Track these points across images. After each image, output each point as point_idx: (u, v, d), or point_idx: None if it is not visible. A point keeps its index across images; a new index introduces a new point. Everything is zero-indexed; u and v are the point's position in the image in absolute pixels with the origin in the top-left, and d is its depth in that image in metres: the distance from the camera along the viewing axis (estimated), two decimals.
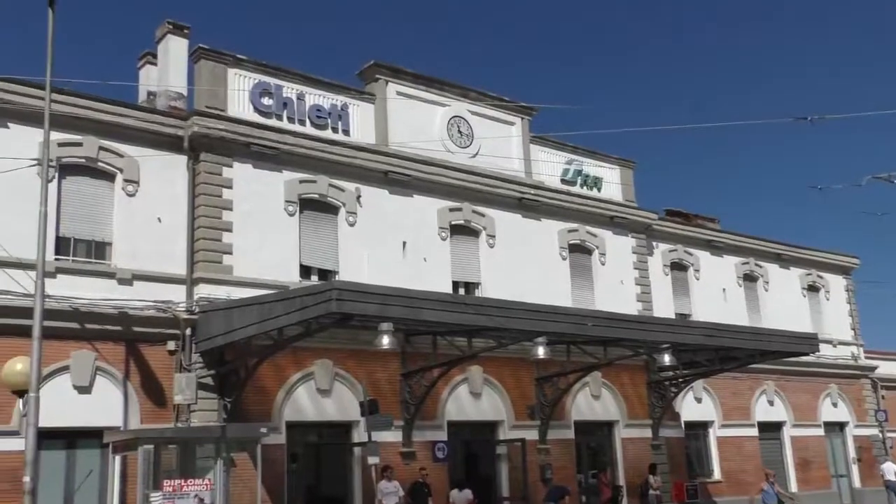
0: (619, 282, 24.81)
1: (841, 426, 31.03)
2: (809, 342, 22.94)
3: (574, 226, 24.17)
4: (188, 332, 16.66)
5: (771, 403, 28.51)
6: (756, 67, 71.08)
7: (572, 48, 70.22)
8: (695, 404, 26.16)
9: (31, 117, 15.64)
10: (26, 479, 11.97)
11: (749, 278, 29.56)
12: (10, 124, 15.86)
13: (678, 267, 27.38)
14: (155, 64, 20.13)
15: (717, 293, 28.05)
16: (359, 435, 18.30)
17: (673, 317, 25.77)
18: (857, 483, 30.59)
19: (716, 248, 28.57)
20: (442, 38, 66.41)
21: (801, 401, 29.43)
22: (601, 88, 69.86)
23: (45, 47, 13.36)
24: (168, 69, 19.12)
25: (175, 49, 19.18)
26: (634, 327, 19.34)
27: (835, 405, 30.72)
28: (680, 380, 23.97)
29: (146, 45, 20.92)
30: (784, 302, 30.08)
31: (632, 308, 24.45)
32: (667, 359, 20.50)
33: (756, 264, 29.79)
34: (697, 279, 27.73)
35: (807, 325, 29.58)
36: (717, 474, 26.26)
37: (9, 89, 15.76)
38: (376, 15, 64.54)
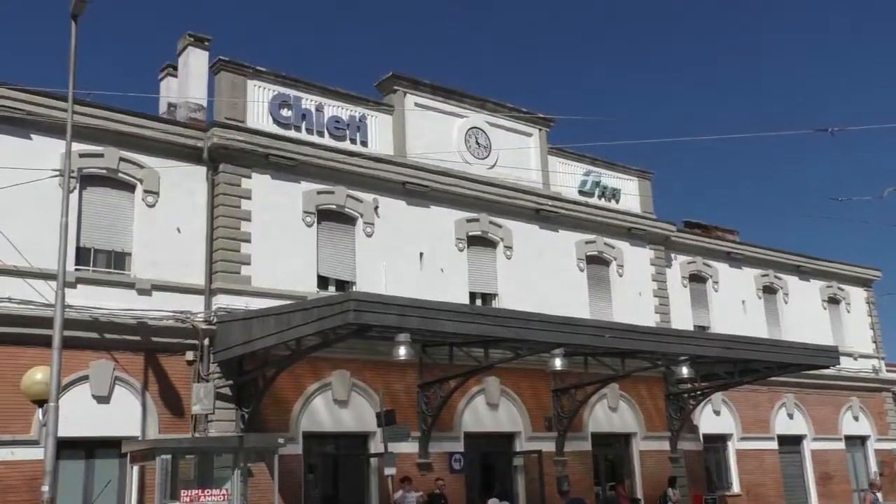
0: (637, 293, 24.70)
1: (862, 440, 30.67)
2: (830, 355, 22.73)
3: (592, 237, 24.10)
4: (206, 342, 16.71)
5: (791, 417, 28.23)
6: (776, 78, 70.77)
7: (591, 58, 70.21)
8: (713, 417, 25.95)
9: (52, 128, 15.79)
10: (45, 488, 12.02)
11: (769, 290, 29.34)
12: (32, 135, 16.01)
13: (697, 279, 27.23)
14: (176, 76, 20.29)
15: (736, 305, 27.87)
16: (375, 446, 18.26)
17: (691, 329, 25.60)
18: (879, 497, 30.16)
19: (735, 260, 28.38)
20: (460, 48, 66.60)
21: (822, 414, 29.13)
22: (620, 99, 69.79)
23: (68, 59, 13.50)
24: (188, 81, 19.26)
25: (195, 61, 19.32)
26: (652, 339, 19.22)
27: (856, 419, 30.38)
28: (698, 392, 23.80)
29: (168, 57, 21.11)
30: (804, 314, 29.84)
31: (650, 320, 24.32)
32: (685, 371, 20.38)
33: (776, 276, 29.57)
34: (716, 291, 27.56)
35: (827, 338, 29.32)
36: (736, 488, 26.01)
37: (32, 101, 15.90)
38: (395, 27, 64.83)
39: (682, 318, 25.80)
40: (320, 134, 19.60)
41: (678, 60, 70.23)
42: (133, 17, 57.06)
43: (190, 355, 16.67)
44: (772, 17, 69.01)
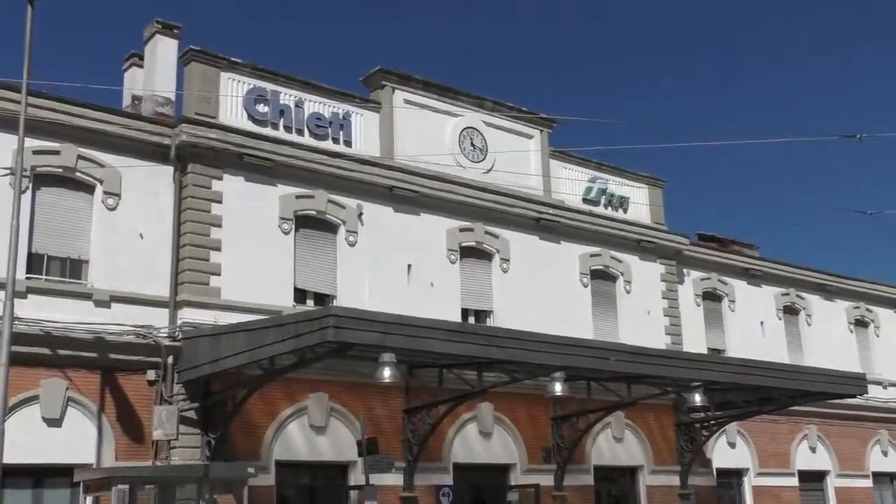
0: (646, 312, 24.76)
1: (891, 477, 30.70)
2: (857, 383, 22.76)
3: (597, 250, 24.16)
4: (170, 360, 16.67)
5: (813, 450, 28.26)
6: (800, 80, 71.21)
7: (597, 53, 70.56)
8: (728, 450, 25.95)
9: (4, 122, 15.73)
10: None
11: (790, 311, 29.44)
12: None
13: (711, 297, 27.30)
14: (141, 66, 20.31)
15: (754, 327, 27.93)
16: (356, 477, 18.21)
17: (705, 352, 25.67)
18: None
19: (753, 278, 28.47)
20: (453, 41, 66.86)
21: (848, 448, 29.15)
22: (629, 99, 70.09)
23: (23, 47, 13.51)
24: (155, 72, 19.27)
25: (163, 50, 19.34)
26: (662, 363, 19.27)
27: (885, 453, 30.41)
28: (712, 422, 23.82)
29: (133, 45, 21.14)
30: (829, 338, 29.91)
31: (660, 341, 24.37)
32: (697, 398, 20.35)
33: (798, 296, 29.67)
34: (732, 311, 27.64)
35: (854, 364, 29.36)
36: None
37: None
38: (382, 17, 65.07)
39: (695, 340, 25.84)
40: (300, 132, 19.62)
41: (694, 58, 70.67)
42: (95, 2, 57.17)
43: (152, 374, 16.61)
44: (797, 15, 69.52)
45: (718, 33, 69.61)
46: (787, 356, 28.10)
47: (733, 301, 27.76)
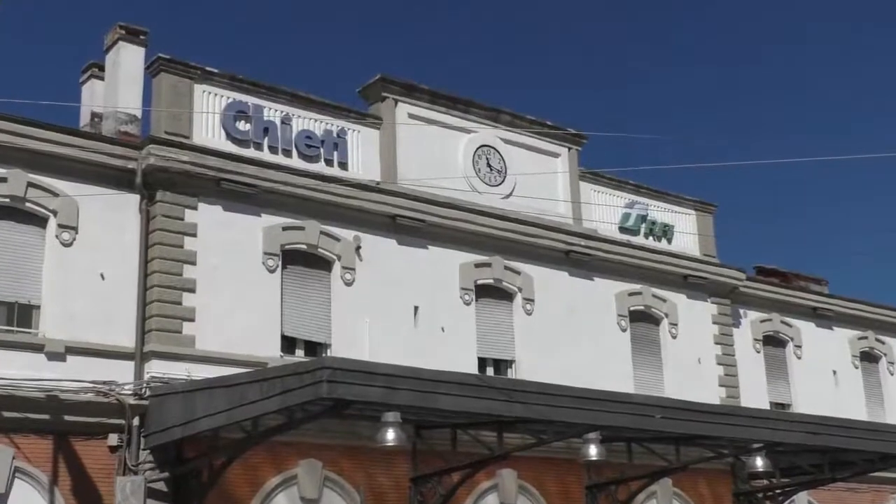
0: (696, 360, 24.70)
1: None
2: None
3: (637, 287, 24.15)
4: (135, 422, 16.60)
5: None
6: (873, 87, 71.29)
7: (632, 58, 70.84)
8: None
9: None
10: None
11: (868, 358, 29.31)
12: None
13: (773, 342, 27.23)
14: (102, 78, 20.48)
15: (825, 377, 27.81)
16: None
17: (767, 407, 25.59)
18: None
19: (823, 318, 28.39)
20: (463, 47, 67.33)
21: None
22: (670, 112, 70.25)
23: None
24: (118, 85, 19.42)
25: (128, 59, 19.49)
26: (716, 420, 19.15)
27: None
28: (777, 491, 23.67)
29: (93, 54, 21.33)
30: None
31: (713, 395, 24.28)
32: (759, 462, 20.24)
33: (877, 339, 29.56)
34: (799, 358, 27.54)
35: None
36: None
37: None
38: (383, 26, 65.62)
39: (755, 394, 25.75)
40: (287, 153, 19.73)
41: (745, 62, 70.84)
42: (50, 7, 57.89)
43: (114, 439, 16.56)
44: (867, 15, 69.72)
45: (777, 35, 69.84)
46: (866, 412, 27.99)
47: (799, 346, 27.65)
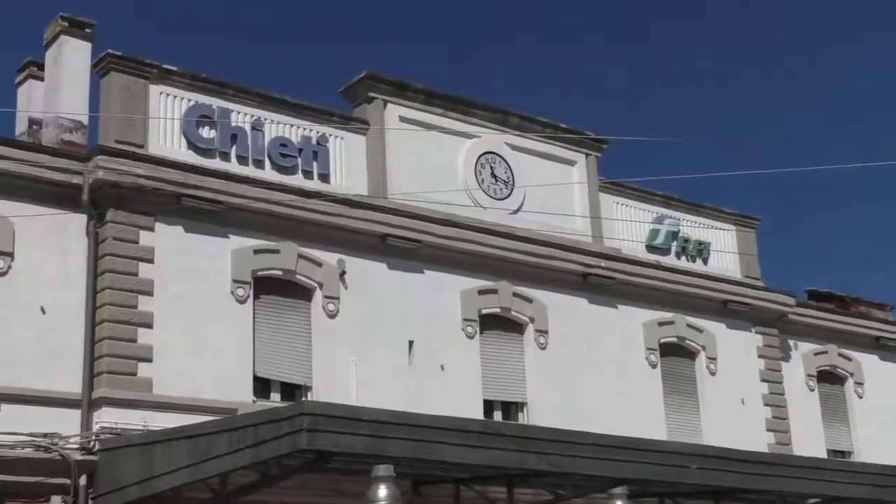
0: (740, 401, 24.70)
1: None
2: None
3: (668, 315, 24.17)
4: (83, 481, 16.52)
5: None
6: None
7: (658, 54, 71.15)
8: None
9: None
10: None
11: None
12: None
13: (830, 378, 27.28)
14: (41, 78, 20.51)
15: (891, 418, 27.73)
16: None
17: (824, 456, 25.55)
18: None
19: (888, 351, 28.39)
20: (463, 44, 67.61)
21: None
22: (703, 113, 70.49)
23: None
24: (61, 86, 19.42)
25: (72, 56, 19.50)
26: (763, 472, 19.14)
27: None
28: None
29: (30, 50, 21.33)
30: None
31: (760, 442, 24.25)
32: None
33: None
34: (860, 397, 27.58)
35: None
36: None
37: None
38: (371, 21, 65.82)
39: (810, 439, 25.76)
40: (259, 164, 19.76)
41: (790, 68, 71.21)
42: None
43: (58, 501, 16.48)
44: None
45: (823, 30, 70.15)
46: None
47: (861, 383, 27.68)
